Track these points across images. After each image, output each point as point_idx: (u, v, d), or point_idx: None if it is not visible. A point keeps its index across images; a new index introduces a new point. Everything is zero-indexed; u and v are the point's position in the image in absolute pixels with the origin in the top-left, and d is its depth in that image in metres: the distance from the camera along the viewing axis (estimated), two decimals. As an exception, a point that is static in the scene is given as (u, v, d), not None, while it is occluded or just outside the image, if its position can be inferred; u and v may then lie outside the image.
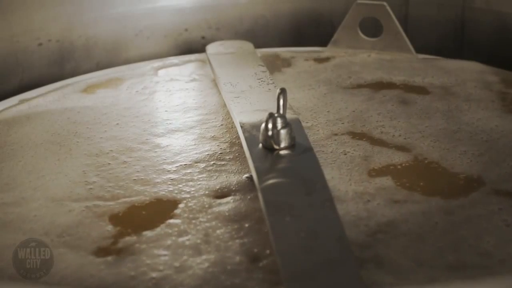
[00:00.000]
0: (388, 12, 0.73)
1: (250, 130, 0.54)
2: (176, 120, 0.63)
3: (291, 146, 0.51)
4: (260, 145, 0.52)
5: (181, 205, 0.51)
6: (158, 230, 0.48)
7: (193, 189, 0.52)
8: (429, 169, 0.54)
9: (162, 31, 0.82)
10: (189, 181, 0.53)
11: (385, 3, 0.74)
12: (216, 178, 0.54)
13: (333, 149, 0.57)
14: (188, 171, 0.55)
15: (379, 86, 0.68)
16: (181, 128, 0.61)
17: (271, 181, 0.48)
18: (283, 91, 0.52)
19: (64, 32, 0.77)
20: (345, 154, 0.56)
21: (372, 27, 0.75)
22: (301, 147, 0.51)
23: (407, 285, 0.43)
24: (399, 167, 0.55)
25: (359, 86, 0.68)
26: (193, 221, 0.49)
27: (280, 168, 0.50)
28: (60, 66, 0.77)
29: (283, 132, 0.51)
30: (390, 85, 0.68)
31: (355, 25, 0.75)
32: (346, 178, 0.53)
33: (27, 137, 0.60)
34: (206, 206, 0.50)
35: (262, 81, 0.64)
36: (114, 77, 0.72)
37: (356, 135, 0.59)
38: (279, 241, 0.43)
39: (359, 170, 0.54)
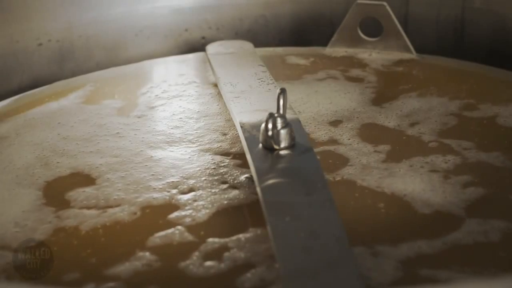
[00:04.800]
0: (388, 12, 0.73)
1: (250, 130, 0.54)
2: (183, 128, 0.61)
3: (291, 146, 0.51)
4: (260, 145, 0.52)
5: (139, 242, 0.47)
6: None
7: (169, 216, 0.50)
8: None
9: (162, 31, 0.81)
10: (171, 202, 0.51)
11: (385, 3, 0.73)
12: (203, 200, 0.51)
13: (432, 158, 0.55)
14: (174, 191, 0.52)
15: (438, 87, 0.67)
16: (184, 138, 0.59)
17: (271, 181, 0.48)
18: (283, 91, 0.52)
19: (64, 32, 0.77)
20: (446, 162, 0.54)
21: (372, 27, 0.75)
22: (301, 147, 0.51)
23: (407, 285, 0.42)
24: None
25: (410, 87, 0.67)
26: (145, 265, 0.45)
27: (280, 168, 0.50)
28: (60, 66, 0.77)
29: (283, 132, 0.51)
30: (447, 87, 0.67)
31: (355, 25, 0.75)
32: (440, 190, 0.51)
33: (8, 159, 0.57)
34: (179, 238, 0.47)
35: (262, 81, 0.64)
36: (119, 82, 0.71)
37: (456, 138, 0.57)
38: (279, 241, 0.43)
39: (457, 181, 0.52)
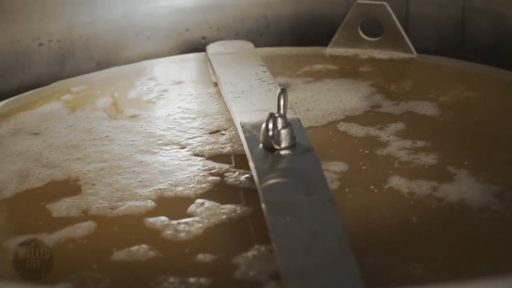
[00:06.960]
0: (388, 12, 0.73)
1: (251, 130, 0.54)
2: (176, 129, 0.60)
3: (291, 146, 0.51)
4: (261, 145, 0.52)
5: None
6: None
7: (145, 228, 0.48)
8: None
9: (163, 31, 0.81)
10: (155, 212, 0.49)
11: (385, 3, 0.74)
12: (192, 210, 0.50)
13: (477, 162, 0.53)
14: (156, 205, 0.50)
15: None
16: (177, 140, 0.59)
17: (271, 181, 0.48)
18: (283, 91, 0.52)
19: (64, 32, 0.77)
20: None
21: (373, 27, 0.75)
22: (301, 147, 0.51)
23: (407, 285, 0.42)
24: None
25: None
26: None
27: (281, 168, 0.50)
28: (60, 66, 0.77)
29: (283, 132, 0.51)
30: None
31: (355, 25, 0.75)
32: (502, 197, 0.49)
33: None
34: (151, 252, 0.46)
35: (262, 81, 0.64)
36: (115, 83, 0.70)
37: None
38: (279, 241, 0.43)
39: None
